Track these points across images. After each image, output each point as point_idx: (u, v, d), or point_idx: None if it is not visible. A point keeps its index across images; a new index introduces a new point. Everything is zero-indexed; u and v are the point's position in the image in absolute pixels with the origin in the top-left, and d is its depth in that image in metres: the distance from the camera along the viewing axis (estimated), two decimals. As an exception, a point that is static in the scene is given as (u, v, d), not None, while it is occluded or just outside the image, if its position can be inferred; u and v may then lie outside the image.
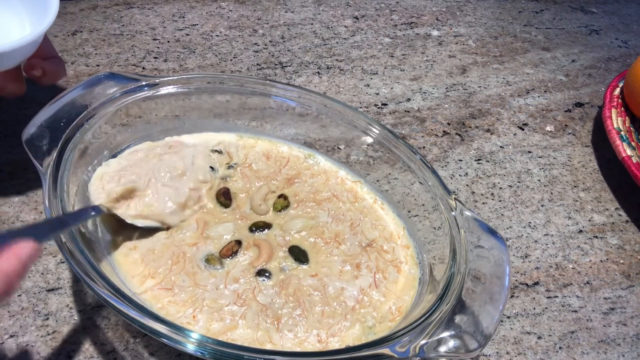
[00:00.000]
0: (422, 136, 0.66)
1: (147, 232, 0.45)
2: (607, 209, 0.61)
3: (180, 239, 0.45)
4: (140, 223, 0.44)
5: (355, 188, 0.52)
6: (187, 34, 0.74)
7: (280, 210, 0.49)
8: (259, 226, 0.47)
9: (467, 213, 0.45)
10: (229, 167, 0.51)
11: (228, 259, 0.44)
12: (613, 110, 0.67)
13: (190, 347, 0.33)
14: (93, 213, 0.42)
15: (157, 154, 0.48)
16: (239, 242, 0.45)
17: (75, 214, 0.40)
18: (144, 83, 0.49)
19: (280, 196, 0.50)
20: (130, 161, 0.46)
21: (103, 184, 0.43)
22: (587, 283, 0.53)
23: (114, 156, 0.47)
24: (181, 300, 0.41)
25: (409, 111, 0.69)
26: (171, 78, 0.50)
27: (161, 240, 0.44)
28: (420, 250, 0.48)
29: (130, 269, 0.42)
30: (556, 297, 0.51)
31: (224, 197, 0.48)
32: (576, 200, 0.61)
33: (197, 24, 0.77)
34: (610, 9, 1.02)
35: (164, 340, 0.34)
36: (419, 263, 0.47)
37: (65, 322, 0.42)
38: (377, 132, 0.52)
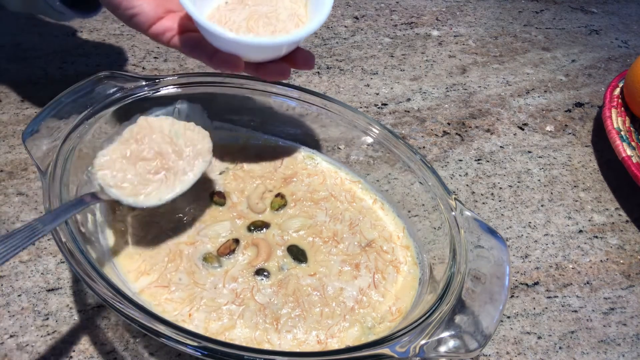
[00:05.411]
0: (422, 136, 0.66)
1: (145, 226, 0.45)
2: (607, 209, 0.61)
3: (177, 238, 0.45)
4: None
5: (354, 188, 0.52)
6: (187, 34, 0.74)
7: (277, 209, 0.49)
8: (257, 225, 0.47)
9: (467, 213, 0.45)
10: (220, 173, 0.51)
11: (226, 258, 0.44)
12: (613, 110, 0.66)
13: (191, 347, 0.33)
14: (90, 201, 0.40)
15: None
16: (236, 241, 0.45)
17: (73, 204, 0.39)
18: (144, 83, 0.49)
19: (277, 195, 0.50)
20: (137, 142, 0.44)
21: (116, 171, 0.42)
22: (587, 283, 0.53)
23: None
24: (178, 298, 0.41)
25: (409, 111, 0.69)
26: (171, 78, 0.50)
27: (159, 238, 0.44)
28: (420, 250, 0.48)
29: (126, 264, 0.42)
30: (556, 297, 0.51)
31: (218, 196, 0.48)
32: (576, 200, 0.61)
33: (197, 24, 0.77)
34: (610, 9, 1.02)
35: (164, 340, 0.34)
36: (419, 263, 0.47)
37: (65, 322, 0.42)
38: (377, 132, 0.52)
